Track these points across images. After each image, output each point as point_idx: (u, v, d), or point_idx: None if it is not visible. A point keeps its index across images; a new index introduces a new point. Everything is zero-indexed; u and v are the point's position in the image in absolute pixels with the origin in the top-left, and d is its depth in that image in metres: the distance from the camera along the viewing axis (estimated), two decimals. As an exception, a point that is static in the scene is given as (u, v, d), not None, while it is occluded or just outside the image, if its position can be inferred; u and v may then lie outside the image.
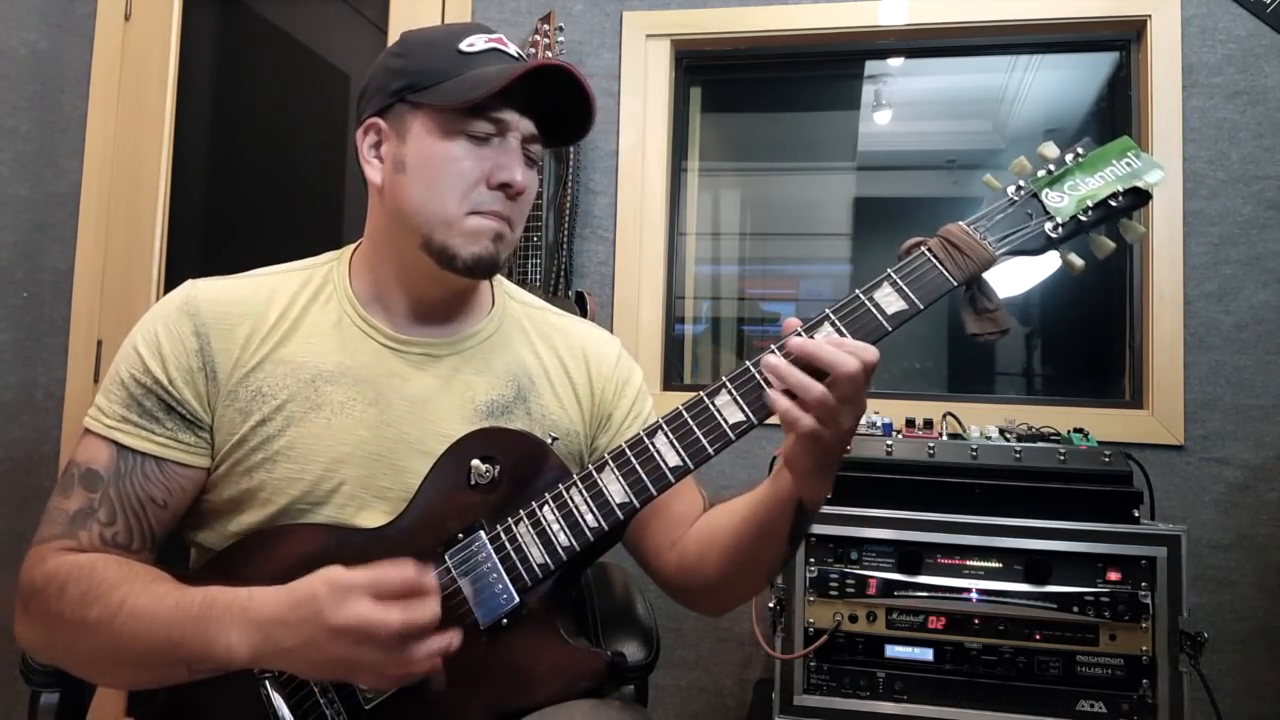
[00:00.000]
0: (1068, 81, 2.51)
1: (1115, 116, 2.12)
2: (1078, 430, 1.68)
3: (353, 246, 1.05)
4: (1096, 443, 1.62)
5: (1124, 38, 2.06)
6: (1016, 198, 0.88)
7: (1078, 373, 2.39)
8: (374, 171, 0.97)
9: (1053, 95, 2.51)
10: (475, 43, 0.94)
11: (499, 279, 1.11)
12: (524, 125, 0.94)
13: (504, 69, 0.91)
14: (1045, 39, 2.14)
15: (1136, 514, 1.48)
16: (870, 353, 0.78)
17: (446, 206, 0.92)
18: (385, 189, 0.97)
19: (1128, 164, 0.88)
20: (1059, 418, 1.83)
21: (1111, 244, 0.89)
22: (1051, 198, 0.87)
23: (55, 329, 2.27)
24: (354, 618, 0.75)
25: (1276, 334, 1.87)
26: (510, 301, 1.10)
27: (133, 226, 2.29)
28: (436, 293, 0.99)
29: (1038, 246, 0.87)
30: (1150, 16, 1.96)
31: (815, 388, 0.77)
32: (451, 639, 0.79)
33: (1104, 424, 1.85)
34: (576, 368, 1.08)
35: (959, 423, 1.78)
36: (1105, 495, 1.50)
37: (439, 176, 0.92)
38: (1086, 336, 2.23)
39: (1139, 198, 0.88)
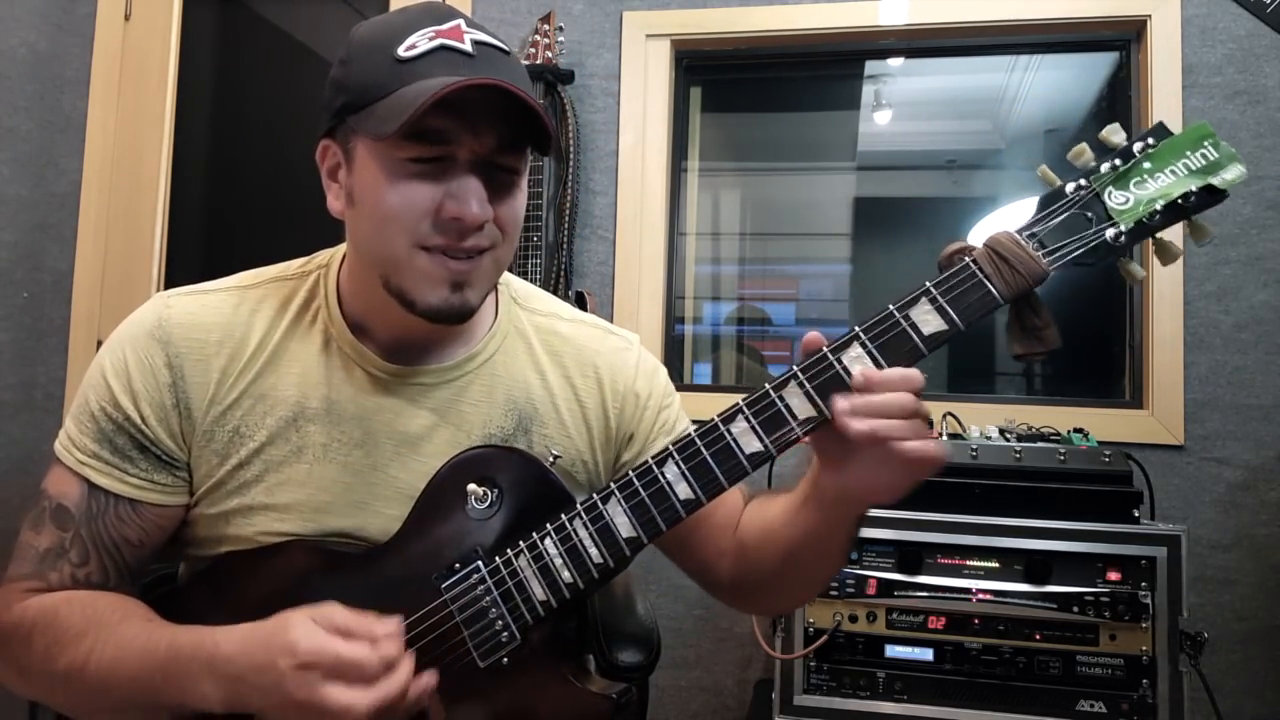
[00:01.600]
0: (1068, 81, 2.50)
1: (1115, 116, 2.11)
2: (1078, 430, 1.68)
3: (342, 252, 0.94)
4: (1096, 443, 1.62)
5: (1124, 38, 2.06)
6: (1075, 197, 0.76)
7: (1078, 373, 2.39)
8: (333, 199, 0.87)
9: (1053, 95, 2.51)
10: (417, 44, 0.79)
11: (506, 279, 0.99)
12: (481, 143, 0.80)
13: (424, 91, 0.75)
14: (1045, 39, 2.15)
15: (1136, 514, 1.48)
16: (914, 381, 0.74)
17: (394, 246, 0.80)
18: (346, 220, 0.87)
19: (1203, 156, 0.76)
20: (1059, 418, 1.82)
21: (1179, 249, 0.79)
22: (1115, 198, 0.76)
23: (55, 329, 2.27)
24: (314, 698, 0.70)
25: (1276, 334, 1.87)
26: (516, 310, 0.99)
27: (133, 226, 2.29)
28: (418, 330, 0.88)
29: (1098, 258, 0.76)
30: (1150, 16, 1.96)
31: (899, 425, 0.74)
32: (428, 683, 0.76)
33: (1104, 424, 1.85)
34: (587, 389, 0.97)
35: (959, 423, 1.78)
36: (1105, 495, 1.50)
37: (382, 213, 0.80)
38: (1086, 336, 2.23)
39: (1212, 196, 0.76)
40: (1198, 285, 1.91)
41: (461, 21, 0.82)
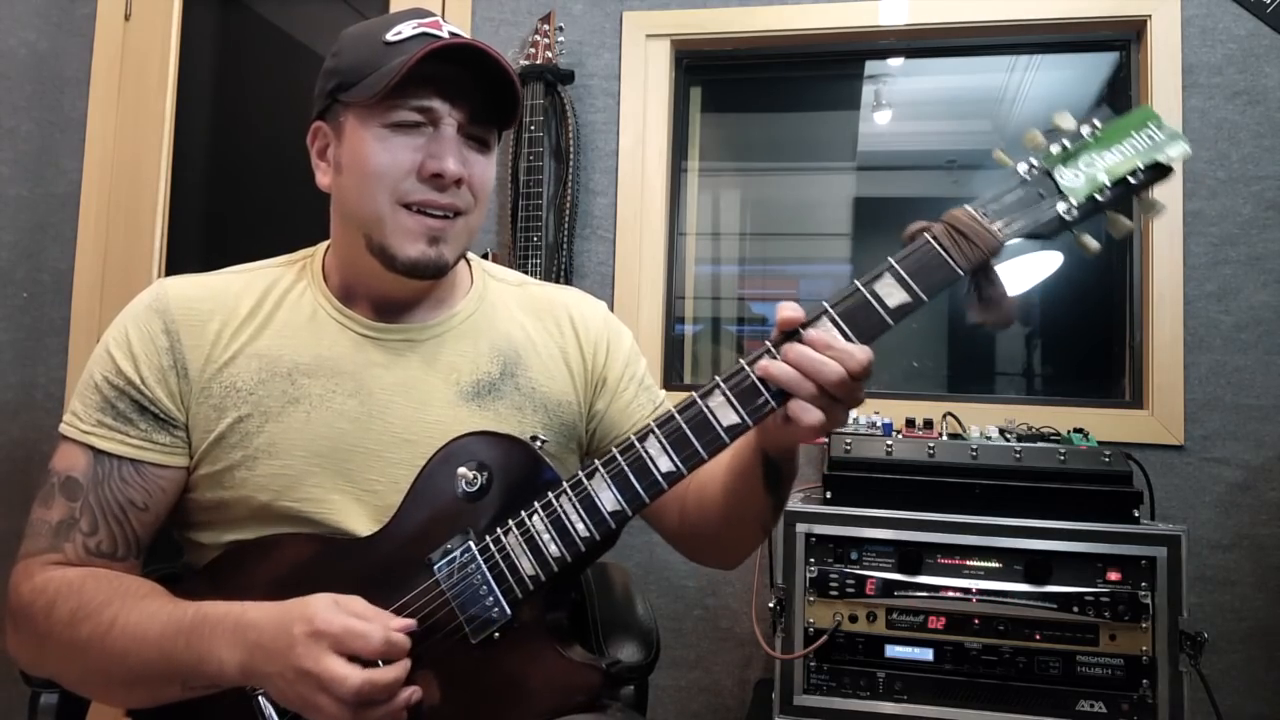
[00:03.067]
0: (1068, 81, 2.50)
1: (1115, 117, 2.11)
2: (1078, 430, 1.68)
3: (325, 244, 1.03)
4: (1096, 443, 1.62)
5: (1124, 38, 2.06)
6: (1028, 176, 0.82)
7: (1078, 373, 2.39)
8: (321, 175, 0.96)
9: (1053, 95, 2.51)
10: (403, 30, 0.90)
11: (476, 260, 1.09)
12: (457, 112, 0.90)
13: (409, 57, 0.87)
14: (1045, 39, 2.14)
15: (1136, 514, 1.48)
16: (853, 360, 0.76)
17: (377, 201, 0.89)
18: (333, 192, 0.95)
19: (1149, 136, 0.81)
20: (1059, 418, 1.83)
21: (1130, 224, 0.82)
22: (1066, 176, 0.81)
23: (55, 329, 2.27)
24: (315, 667, 0.75)
25: (1276, 334, 1.87)
26: (491, 281, 1.08)
27: (133, 226, 2.29)
28: (400, 292, 0.97)
29: (1051, 230, 0.81)
30: (1150, 16, 1.96)
31: (808, 386, 0.76)
32: (412, 695, 0.80)
33: (1104, 424, 1.85)
34: (563, 334, 1.05)
35: (959, 423, 1.78)
36: (1105, 495, 1.50)
37: (367, 171, 0.89)
38: (1086, 336, 2.23)
39: (1159, 173, 0.81)
40: (1198, 285, 1.91)
41: (439, 18, 0.94)
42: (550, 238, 2.08)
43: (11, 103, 2.20)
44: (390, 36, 0.90)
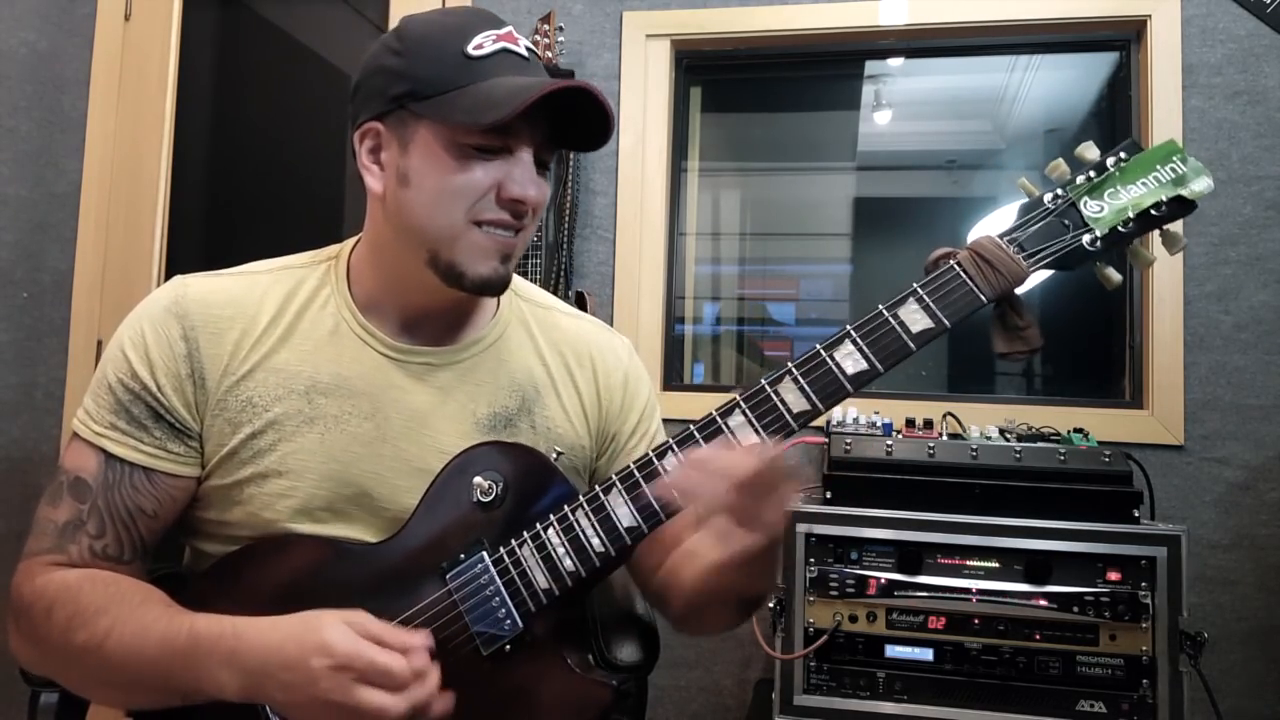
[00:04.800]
0: (1068, 81, 2.51)
1: (1115, 117, 2.12)
2: (1078, 430, 1.68)
3: (351, 243, 0.99)
4: (1096, 443, 1.62)
5: (1124, 38, 2.06)
6: (1053, 206, 0.82)
7: (1078, 373, 2.39)
8: (374, 180, 0.90)
9: (1053, 95, 2.51)
10: (483, 44, 0.86)
11: None
12: (536, 137, 0.88)
13: (518, 89, 0.83)
14: (1045, 39, 2.15)
15: (1136, 514, 1.48)
16: (740, 467, 0.71)
17: (451, 220, 0.86)
18: (387, 200, 0.90)
19: (1172, 170, 0.83)
20: (1059, 418, 1.82)
21: (1150, 256, 0.83)
22: (1090, 207, 0.82)
23: (55, 329, 2.27)
24: (346, 699, 0.74)
25: (1276, 334, 1.87)
26: (517, 300, 1.05)
27: (133, 226, 2.29)
28: (438, 305, 0.95)
29: (1075, 261, 0.82)
30: (1150, 16, 1.96)
31: (712, 492, 0.73)
32: (447, 705, 0.79)
33: (1104, 424, 1.85)
34: (584, 378, 1.03)
35: (959, 423, 1.78)
36: (1105, 495, 1.50)
37: (446, 193, 0.86)
38: (1086, 336, 2.23)
39: (1182, 207, 0.82)
40: (1198, 285, 1.91)
41: (511, 29, 0.91)
42: (550, 238, 2.08)
43: (11, 103, 2.20)
44: (472, 50, 0.85)
